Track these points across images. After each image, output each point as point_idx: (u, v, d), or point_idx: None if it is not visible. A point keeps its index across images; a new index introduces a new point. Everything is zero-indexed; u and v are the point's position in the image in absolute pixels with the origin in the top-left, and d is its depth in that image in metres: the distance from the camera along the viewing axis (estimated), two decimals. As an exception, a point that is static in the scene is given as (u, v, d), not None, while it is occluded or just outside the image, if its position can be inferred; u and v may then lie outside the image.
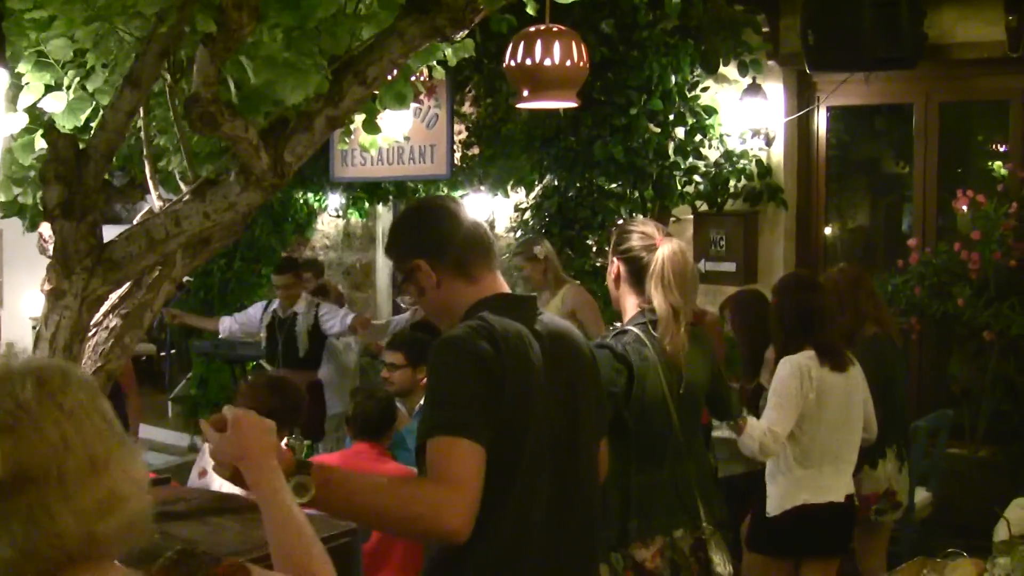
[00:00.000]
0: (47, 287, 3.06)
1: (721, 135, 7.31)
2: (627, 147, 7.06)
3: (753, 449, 4.05)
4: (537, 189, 7.81)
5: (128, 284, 3.27)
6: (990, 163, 7.56)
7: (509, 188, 8.32)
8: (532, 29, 4.13)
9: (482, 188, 8.56)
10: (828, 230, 7.80)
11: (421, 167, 8.15)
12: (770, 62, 7.18)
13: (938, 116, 7.09)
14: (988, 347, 6.46)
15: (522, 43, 4.13)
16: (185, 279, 8.95)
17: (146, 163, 3.36)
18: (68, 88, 3.18)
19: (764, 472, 4.46)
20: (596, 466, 2.63)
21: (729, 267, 7.31)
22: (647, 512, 3.35)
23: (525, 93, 4.22)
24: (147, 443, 9.11)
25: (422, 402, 5.50)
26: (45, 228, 3.44)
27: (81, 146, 3.02)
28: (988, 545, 3.55)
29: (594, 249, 7.45)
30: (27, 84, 3.14)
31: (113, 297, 3.26)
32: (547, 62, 4.09)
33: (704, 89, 7.26)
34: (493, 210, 8.79)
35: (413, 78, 3.83)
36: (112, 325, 3.29)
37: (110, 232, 3.11)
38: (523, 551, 2.38)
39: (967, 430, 6.53)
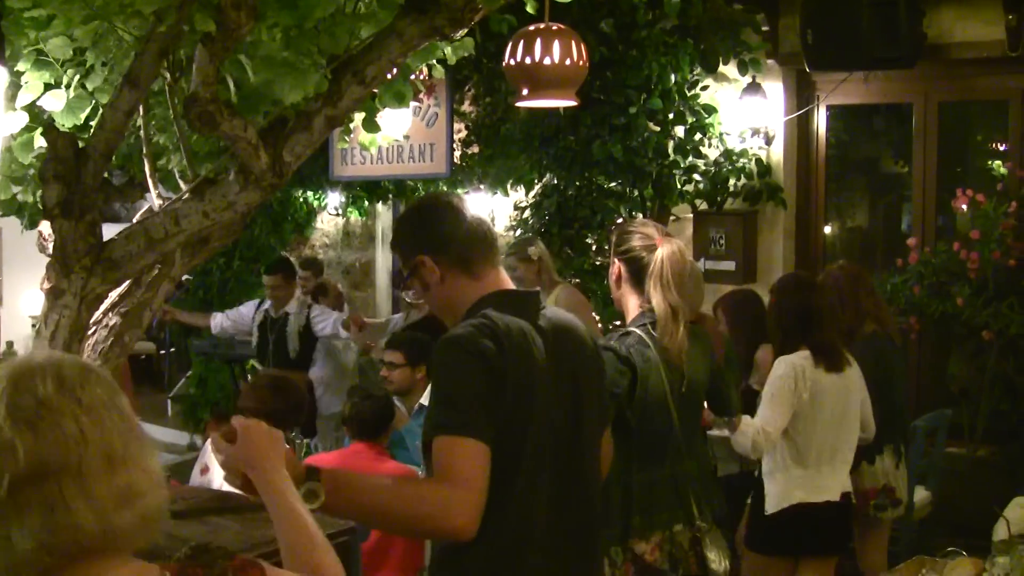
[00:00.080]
0: (46, 286, 3.07)
1: (720, 134, 7.31)
2: (626, 146, 7.05)
3: (745, 447, 4.11)
4: (536, 188, 7.81)
5: (127, 283, 3.27)
6: (989, 162, 7.57)
7: (508, 187, 8.32)
8: (531, 28, 4.13)
9: (481, 187, 8.57)
10: (827, 229, 7.80)
11: (421, 166, 8.15)
12: (769, 61, 7.18)
13: (937, 115, 7.09)
14: (987, 346, 6.46)
15: (521, 42, 4.13)
16: (184, 278, 8.96)
17: (145, 162, 3.36)
18: (67, 87, 3.19)
19: (758, 471, 4.49)
20: (598, 460, 2.65)
21: (728, 266, 7.31)
22: (649, 509, 3.41)
23: (524, 92, 4.22)
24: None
25: (421, 401, 5.52)
26: (44, 227, 3.45)
27: (80, 145, 3.02)
28: (987, 544, 3.55)
29: (593, 248, 7.44)
30: (26, 83, 3.14)
31: (112, 296, 3.26)
32: (546, 61, 4.09)
33: (704, 88, 7.26)
34: (492, 209, 8.79)
35: (412, 77, 3.84)
36: (111, 324, 3.29)
37: (109, 231, 3.11)
38: (526, 546, 2.41)
39: (966, 429, 6.53)
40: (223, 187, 3.03)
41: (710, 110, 7.24)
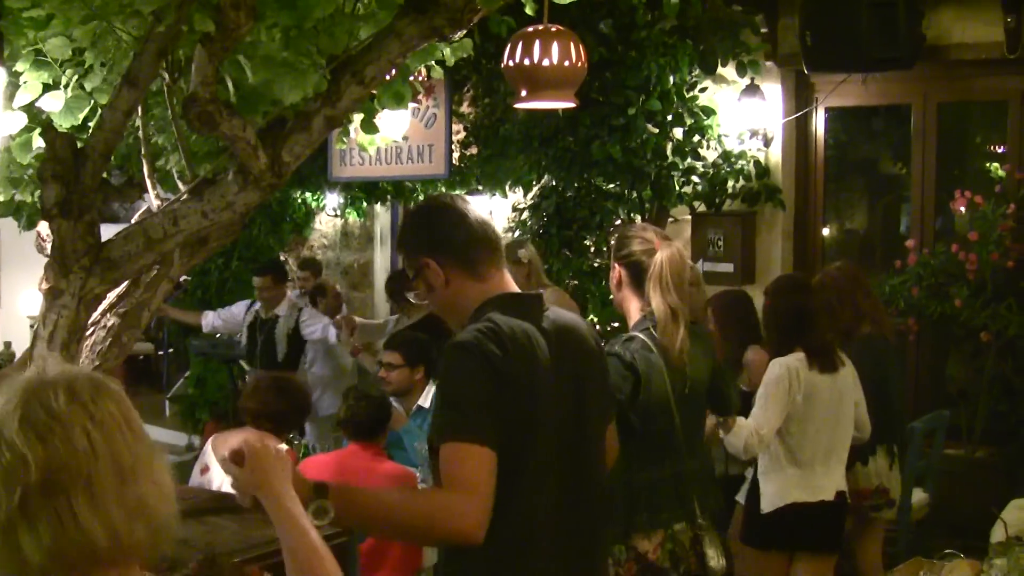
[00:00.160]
0: (45, 286, 3.06)
1: (719, 135, 7.31)
2: (625, 147, 7.05)
3: (737, 448, 4.18)
4: (535, 189, 7.81)
5: (126, 283, 3.27)
6: (988, 164, 7.57)
7: (507, 188, 8.32)
8: (530, 29, 4.13)
9: (480, 188, 8.56)
10: (826, 231, 7.80)
11: (419, 167, 8.14)
12: (768, 63, 7.18)
13: (936, 117, 7.09)
14: (985, 348, 6.46)
15: (520, 43, 4.13)
16: (183, 278, 8.95)
17: (144, 162, 3.36)
18: (66, 87, 3.18)
19: (752, 471, 4.54)
20: (603, 458, 2.70)
21: (727, 268, 7.30)
22: (652, 508, 3.47)
23: (523, 93, 4.22)
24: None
25: (420, 402, 5.52)
26: (43, 227, 3.45)
27: (79, 145, 3.02)
28: (985, 546, 3.56)
29: (592, 249, 7.44)
30: (25, 83, 3.14)
31: (111, 296, 3.26)
32: (545, 62, 4.09)
33: (702, 89, 7.26)
34: (491, 210, 8.78)
35: (411, 78, 3.84)
36: (110, 324, 3.29)
37: (108, 231, 3.11)
38: (530, 546, 2.45)
39: (964, 431, 6.53)
40: (222, 187, 3.03)
41: (709, 111, 7.23)
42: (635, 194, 7.21)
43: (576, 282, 7.32)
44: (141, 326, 3.39)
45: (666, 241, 3.55)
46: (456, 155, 8.32)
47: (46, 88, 3.17)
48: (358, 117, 3.74)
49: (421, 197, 9.60)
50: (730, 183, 7.28)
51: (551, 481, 2.46)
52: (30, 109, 3.22)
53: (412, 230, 2.65)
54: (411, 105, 5.08)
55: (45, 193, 2.97)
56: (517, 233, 7.70)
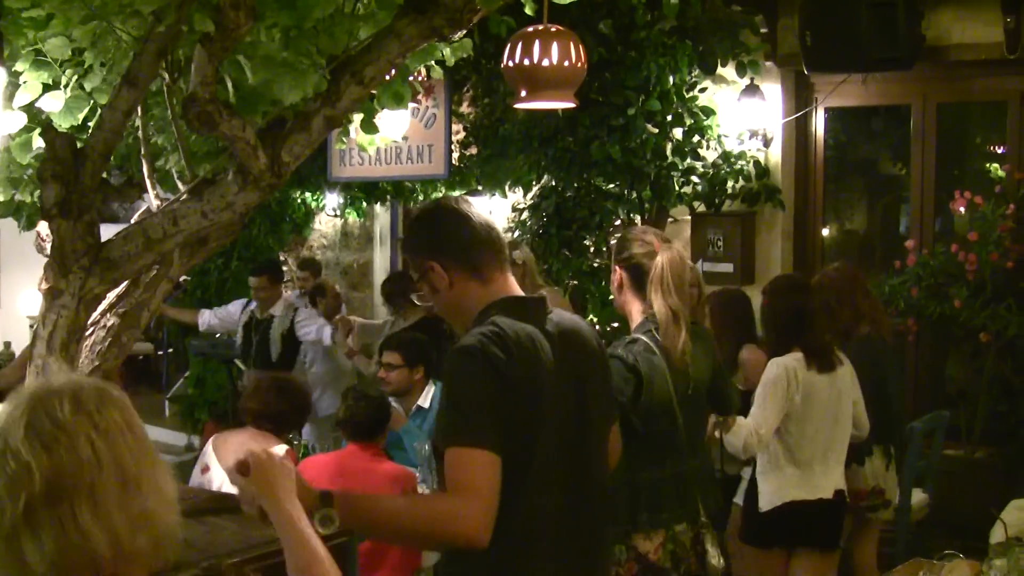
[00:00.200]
0: (44, 286, 3.06)
1: (719, 136, 7.31)
2: (625, 147, 7.04)
3: (737, 447, 4.20)
4: (535, 189, 7.80)
5: (125, 283, 3.27)
6: (987, 164, 7.57)
7: (507, 188, 8.31)
8: (530, 29, 4.13)
9: (480, 188, 8.56)
10: (825, 231, 7.80)
11: (419, 167, 8.14)
12: (768, 63, 7.18)
13: (936, 117, 7.09)
14: (985, 348, 6.47)
15: (520, 43, 4.13)
16: (182, 278, 8.95)
17: (144, 162, 3.36)
18: (66, 87, 3.18)
19: (751, 471, 4.56)
20: (605, 459, 2.73)
21: (726, 268, 7.30)
22: (654, 508, 3.50)
23: (523, 93, 4.22)
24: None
25: (419, 402, 5.52)
26: (43, 227, 3.45)
27: (79, 145, 3.02)
28: (984, 547, 3.56)
29: (592, 249, 7.44)
30: (25, 83, 3.14)
31: (110, 296, 3.26)
32: (545, 63, 4.10)
33: (702, 90, 7.25)
34: (491, 210, 8.77)
35: (411, 78, 3.84)
36: (109, 324, 3.29)
37: (108, 231, 3.11)
38: (534, 548, 2.47)
39: (964, 431, 6.53)
40: (221, 187, 3.03)
41: (708, 112, 7.23)
42: (635, 194, 7.21)
43: (576, 282, 7.31)
44: (141, 326, 3.39)
45: (666, 243, 3.60)
46: (456, 155, 8.32)
47: (46, 88, 3.17)
48: (358, 117, 3.74)
49: (421, 197, 9.61)
50: (730, 183, 7.27)
51: (554, 483, 2.48)
52: (30, 109, 3.22)
53: (417, 233, 2.67)
54: (411, 105, 5.08)
55: (45, 193, 2.97)
56: (517, 233, 7.69)
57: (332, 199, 10.01)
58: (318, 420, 7.53)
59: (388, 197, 9.94)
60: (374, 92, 3.47)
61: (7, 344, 9.27)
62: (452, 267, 2.56)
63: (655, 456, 3.52)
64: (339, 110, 3.07)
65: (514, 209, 8.19)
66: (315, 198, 10.23)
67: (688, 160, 7.24)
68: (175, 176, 3.39)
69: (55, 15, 2.89)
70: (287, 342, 7.48)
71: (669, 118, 7.15)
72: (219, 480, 4.51)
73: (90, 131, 3.11)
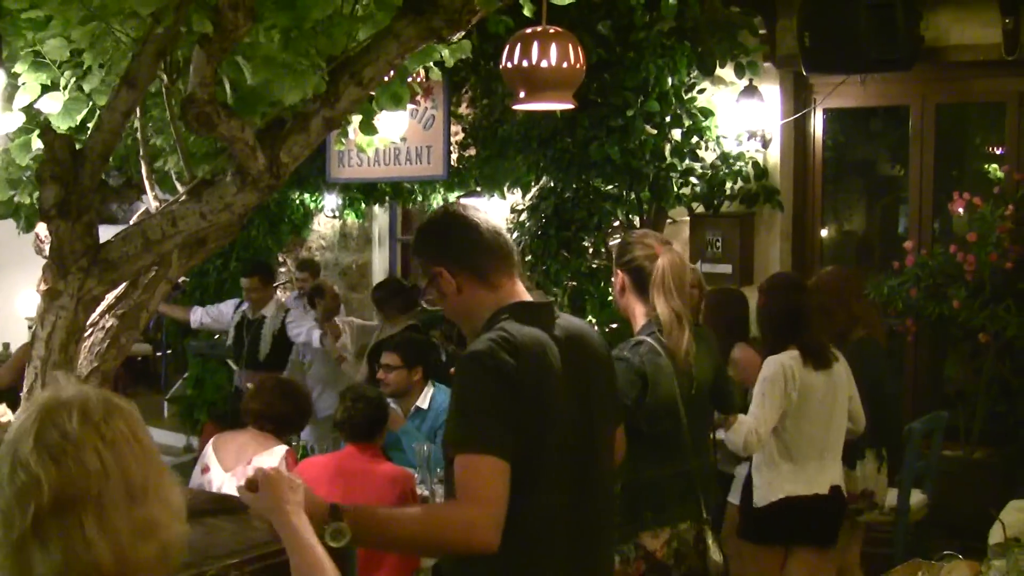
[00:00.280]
0: (43, 287, 3.06)
1: (717, 137, 7.30)
2: (623, 148, 7.04)
3: (738, 445, 4.22)
4: (533, 190, 7.79)
5: (124, 284, 3.27)
6: (986, 165, 7.58)
7: (505, 189, 8.31)
8: (529, 31, 4.12)
9: (478, 189, 8.56)
10: (824, 232, 7.80)
11: (418, 168, 8.14)
12: (766, 64, 7.17)
13: (934, 118, 7.09)
14: (983, 349, 6.47)
15: (519, 45, 4.13)
16: (181, 279, 8.95)
17: (142, 163, 3.36)
18: (64, 88, 3.18)
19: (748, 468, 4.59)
20: (610, 461, 2.76)
21: (725, 269, 7.30)
22: (659, 507, 3.58)
23: (522, 95, 4.22)
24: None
25: (417, 402, 5.53)
26: (41, 228, 3.44)
27: (77, 146, 3.02)
28: (983, 547, 3.57)
29: (591, 251, 7.44)
30: (23, 84, 3.14)
31: (109, 297, 3.26)
32: (544, 64, 4.09)
33: (701, 91, 7.25)
34: (487, 212, 8.75)
35: (410, 79, 3.84)
36: (108, 325, 3.29)
37: (106, 232, 3.11)
38: (541, 549, 2.50)
39: (962, 432, 6.53)
40: (220, 188, 3.03)
41: (707, 113, 7.23)
42: (633, 195, 7.21)
43: (575, 283, 7.31)
44: (139, 327, 3.39)
45: (666, 246, 3.65)
46: (454, 156, 8.32)
47: (45, 89, 3.17)
48: (356, 118, 3.74)
49: (419, 198, 9.61)
50: (728, 184, 7.27)
51: (561, 485, 2.51)
52: (29, 110, 3.22)
53: (425, 239, 2.71)
54: (409, 106, 5.08)
55: (43, 194, 2.97)
56: (515, 235, 7.69)
57: (331, 200, 10.01)
58: (317, 421, 7.52)
59: (387, 198, 9.93)
60: (373, 93, 3.47)
61: (6, 345, 9.28)
62: (460, 273, 2.60)
63: (660, 456, 3.58)
64: (338, 111, 3.07)
65: (513, 210, 8.18)
66: (314, 199, 10.22)
67: (687, 161, 7.23)
68: (174, 177, 3.39)
69: (54, 16, 2.89)
70: (278, 342, 7.53)
71: (668, 119, 7.15)
72: (219, 481, 4.51)
73: (89, 132, 3.11)
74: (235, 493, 4.19)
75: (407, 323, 7.06)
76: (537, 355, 2.46)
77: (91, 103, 3.22)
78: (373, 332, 7.76)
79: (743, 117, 7.18)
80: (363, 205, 10.12)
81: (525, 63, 4.11)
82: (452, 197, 9.08)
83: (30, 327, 3.65)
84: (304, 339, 7.38)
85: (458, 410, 2.45)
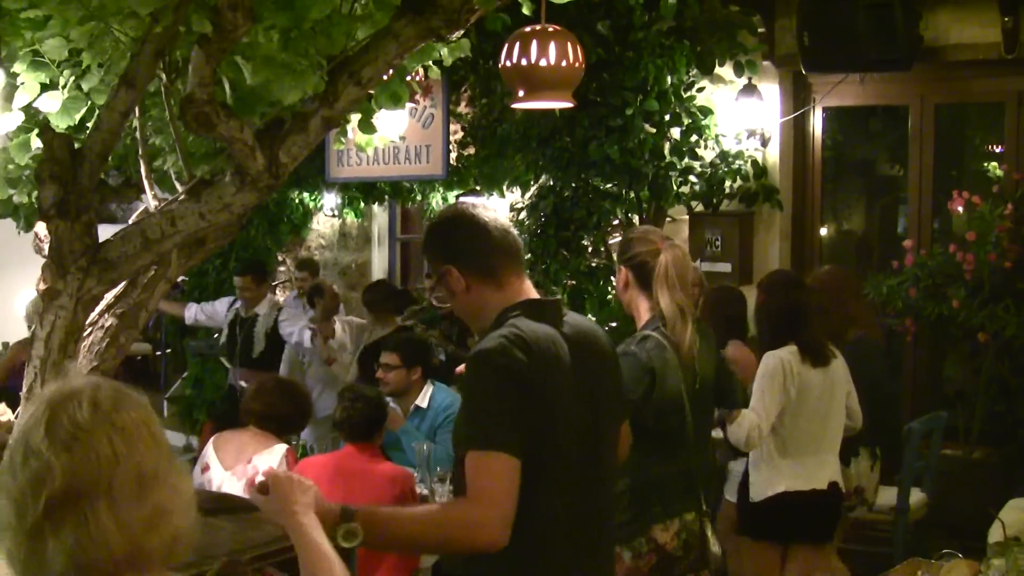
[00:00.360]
0: (42, 287, 3.06)
1: (717, 136, 7.30)
2: (623, 147, 7.04)
3: (740, 439, 4.22)
4: (533, 189, 7.79)
5: (123, 284, 3.27)
6: (985, 164, 7.58)
7: (505, 188, 8.31)
8: (528, 29, 4.12)
9: (478, 188, 8.56)
10: (823, 231, 7.80)
11: (417, 167, 8.15)
12: (766, 63, 7.17)
13: (933, 117, 7.09)
14: (983, 348, 6.47)
15: (518, 44, 4.13)
16: (180, 279, 8.95)
17: (141, 163, 3.36)
18: (63, 88, 3.18)
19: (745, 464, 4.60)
20: (614, 457, 2.79)
21: (724, 268, 7.30)
22: (667, 500, 3.61)
23: (521, 93, 4.22)
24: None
25: (417, 402, 5.53)
26: (41, 227, 3.44)
27: (76, 146, 3.02)
28: (983, 546, 3.57)
29: (590, 249, 7.44)
30: (22, 83, 3.14)
31: (108, 297, 3.26)
32: (543, 63, 4.10)
33: (700, 90, 7.25)
34: (498, 209, 8.75)
35: (409, 78, 3.83)
36: (107, 325, 3.29)
37: (105, 232, 3.11)
38: (548, 545, 2.52)
39: (962, 431, 6.53)
40: (219, 188, 3.03)
41: (706, 112, 7.23)
42: (633, 194, 7.21)
43: (574, 282, 7.31)
44: (139, 327, 3.39)
45: (668, 241, 3.67)
46: (454, 155, 8.32)
47: (43, 89, 3.17)
48: (355, 117, 3.74)
49: (419, 197, 9.61)
50: (727, 183, 7.27)
51: (568, 482, 2.53)
52: (28, 110, 3.22)
53: (434, 238, 2.73)
54: (408, 105, 5.08)
55: (43, 194, 2.97)
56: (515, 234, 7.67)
57: (330, 199, 10.01)
58: (317, 421, 7.51)
59: (386, 197, 9.93)
60: (372, 92, 3.47)
61: (5, 345, 9.26)
62: (468, 272, 2.61)
63: (665, 451, 3.61)
64: (337, 110, 3.07)
65: (512, 209, 8.18)
66: (313, 198, 10.22)
67: (686, 160, 7.23)
68: (173, 177, 3.39)
69: (53, 16, 2.89)
70: (271, 341, 7.55)
71: (667, 118, 7.15)
72: (219, 479, 4.51)
73: (88, 132, 3.11)
74: (235, 491, 4.20)
75: (396, 325, 7.08)
76: (549, 352, 2.48)
77: (90, 102, 3.22)
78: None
79: (742, 116, 7.18)
80: (362, 204, 10.12)
81: (524, 62, 4.11)
82: (451, 196, 9.09)
83: (29, 327, 3.65)
84: (296, 339, 7.39)
85: (468, 408, 2.47)
